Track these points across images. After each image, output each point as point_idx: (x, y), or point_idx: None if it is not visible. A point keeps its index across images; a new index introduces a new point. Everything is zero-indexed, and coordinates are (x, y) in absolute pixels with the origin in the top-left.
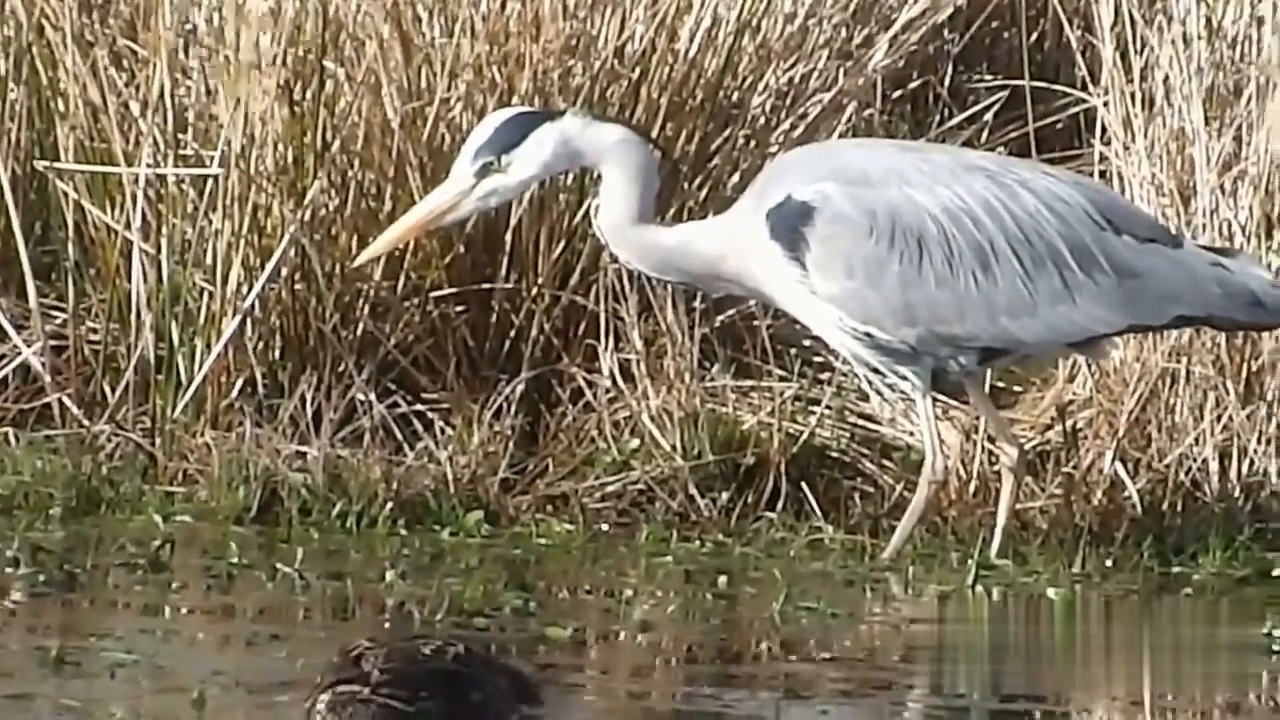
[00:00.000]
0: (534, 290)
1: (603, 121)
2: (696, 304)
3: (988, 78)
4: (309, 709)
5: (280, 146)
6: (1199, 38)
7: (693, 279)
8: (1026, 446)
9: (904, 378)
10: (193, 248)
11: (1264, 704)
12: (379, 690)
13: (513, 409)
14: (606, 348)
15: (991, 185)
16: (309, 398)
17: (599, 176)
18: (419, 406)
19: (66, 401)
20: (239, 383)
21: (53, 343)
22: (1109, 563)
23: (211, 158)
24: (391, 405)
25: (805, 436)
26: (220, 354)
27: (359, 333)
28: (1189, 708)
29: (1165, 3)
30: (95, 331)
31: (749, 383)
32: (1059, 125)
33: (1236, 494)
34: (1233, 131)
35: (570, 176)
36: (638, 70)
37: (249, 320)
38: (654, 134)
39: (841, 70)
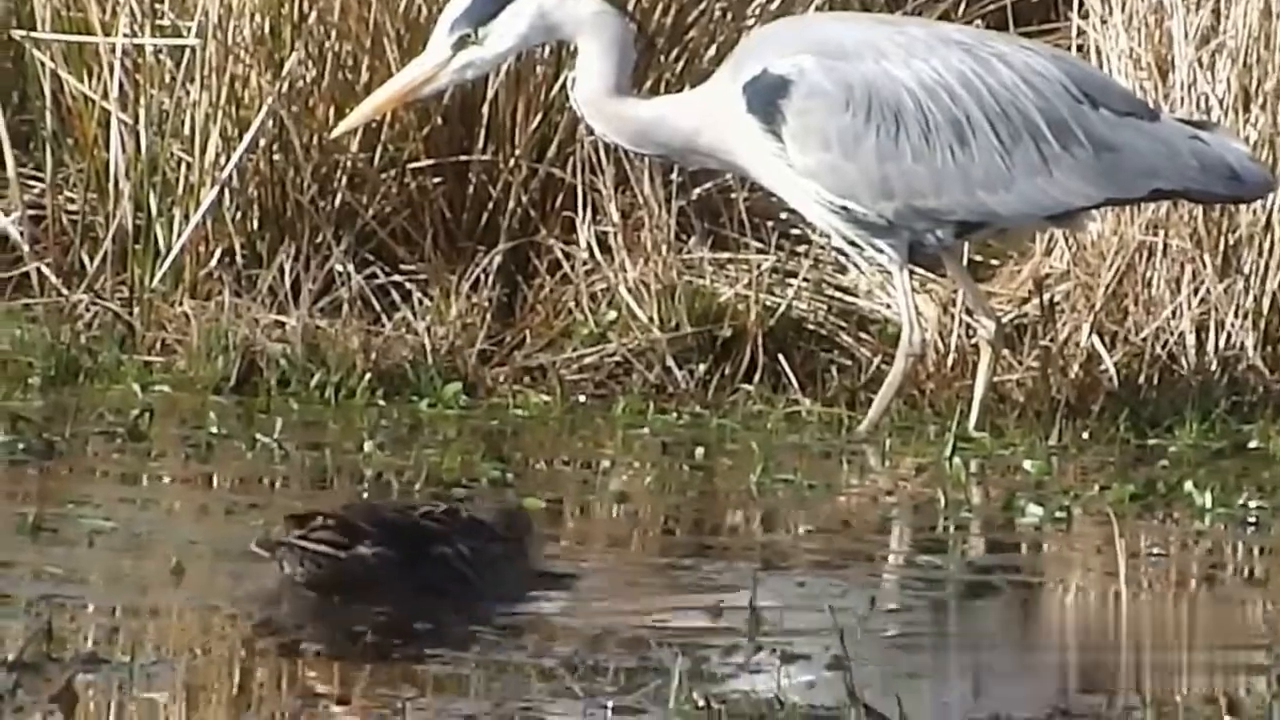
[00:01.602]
0: (511, 162)
1: None
2: (674, 176)
3: None
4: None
5: (258, 17)
6: None
7: (669, 152)
8: (1004, 320)
9: (881, 251)
10: (170, 118)
11: (1238, 576)
12: (310, 535)
13: (490, 281)
14: (584, 220)
15: (968, 59)
16: (287, 268)
17: (575, 49)
18: (397, 277)
19: (45, 271)
20: (217, 253)
21: (31, 212)
22: (1085, 435)
23: (189, 28)
24: (369, 276)
25: (782, 309)
26: (198, 224)
27: (337, 204)
28: (1164, 580)
29: None
30: (73, 201)
31: (726, 255)
32: None
33: (1213, 367)
34: (1211, 5)
35: (547, 49)
36: None
37: (227, 191)
38: (630, 6)
39: None
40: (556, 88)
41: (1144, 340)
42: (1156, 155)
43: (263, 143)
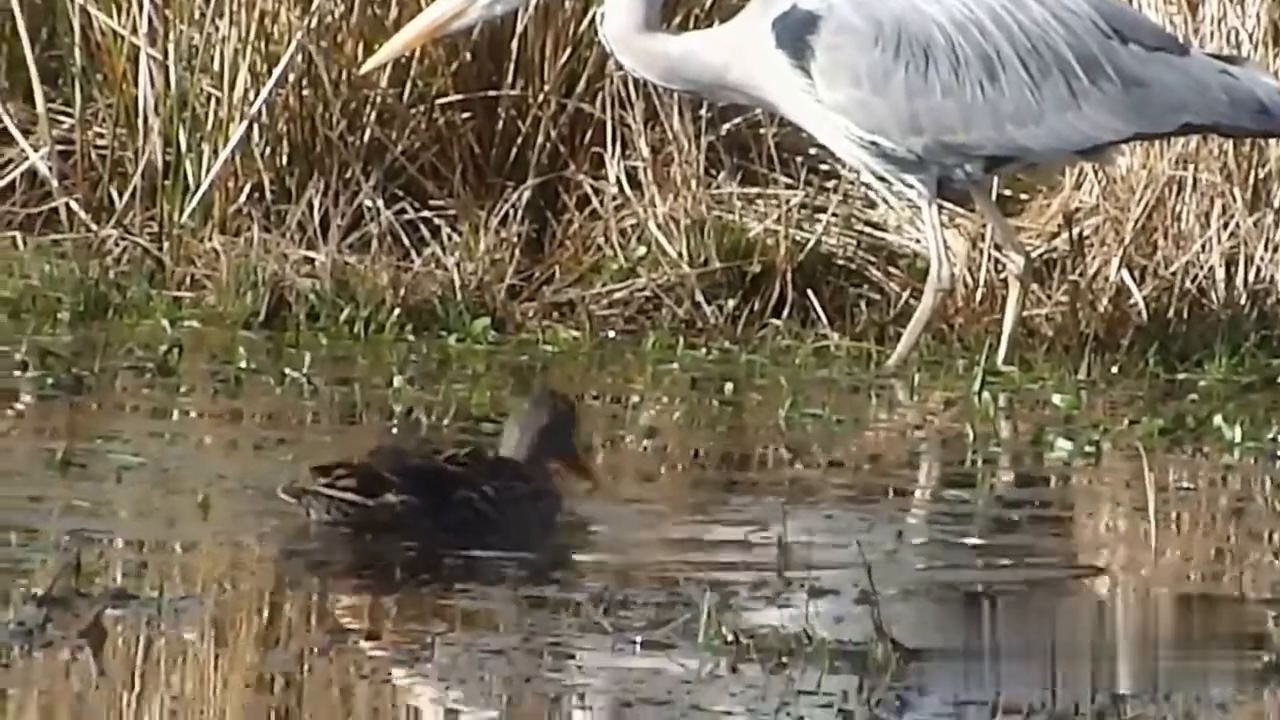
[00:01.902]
0: (540, 97)
1: None
2: (703, 111)
3: None
4: None
5: None
6: None
7: (698, 87)
8: (1033, 254)
9: (910, 186)
10: (200, 53)
11: (1270, 507)
12: (335, 483)
13: (519, 216)
14: (613, 155)
15: None
16: (316, 204)
17: None
18: (426, 213)
19: (74, 206)
20: (246, 188)
21: (60, 148)
22: (1114, 369)
23: None
24: (399, 212)
25: (811, 244)
26: (227, 159)
27: (366, 139)
28: (1193, 512)
29: None
30: (102, 137)
31: (755, 190)
32: None
33: (1242, 301)
34: None
35: None
36: None
37: (256, 126)
38: None
39: None
40: (586, 23)
41: (1173, 274)
42: (1186, 90)
43: (292, 78)
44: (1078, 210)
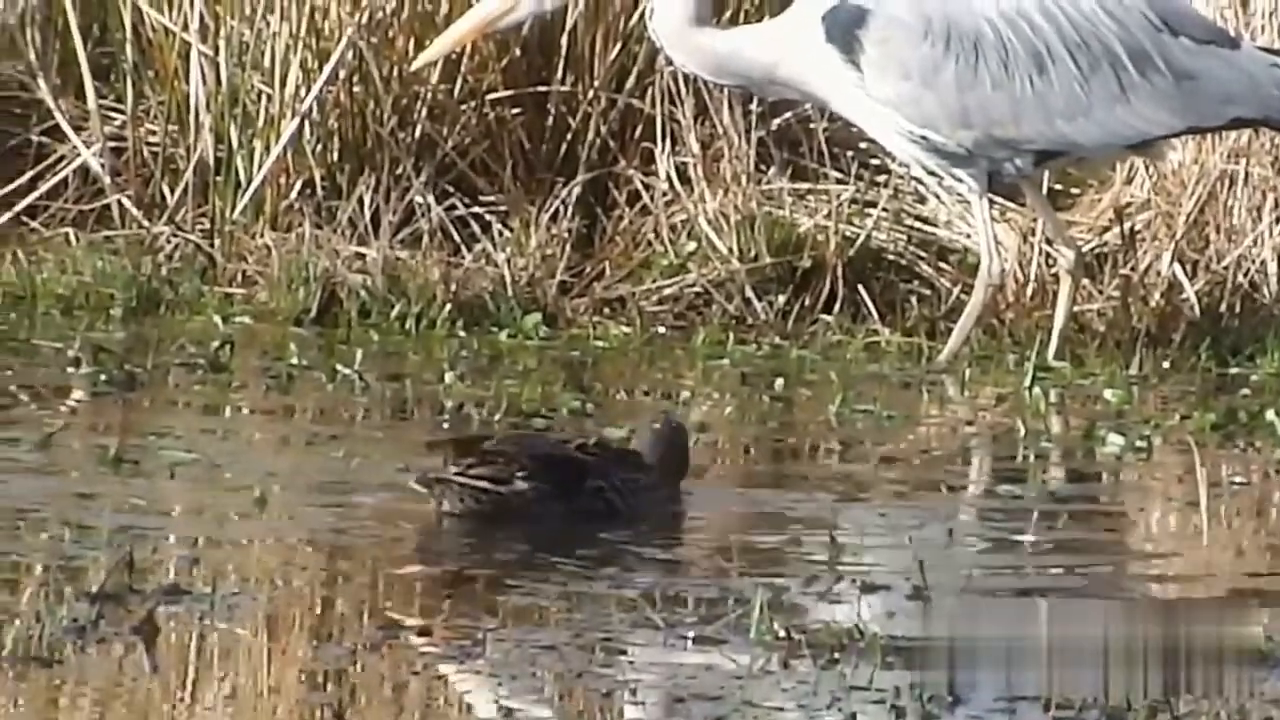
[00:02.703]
0: (590, 93)
1: None
2: (753, 106)
3: None
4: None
5: None
6: None
7: (748, 82)
8: (1084, 248)
9: (960, 180)
10: (251, 50)
11: None
12: (468, 471)
13: (569, 212)
14: (663, 150)
15: None
16: (367, 200)
17: None
18: (477, 209)
19: (126, 203)
20: (298, 184)
21: (112, 144)
22: (1166, 364)
23: None
24: (449, 208)
25: (862, 239)
26: (279, 156)
27: (417, 135)
28: (1245, 507)
29: None
30: (154, 133)
31: (805, 185)
32: None
33: None
34: None
35: None
36: None
37: (307, 122)
38: None
39: None
40: (635, 18)
41: (1225, 268)
42: (1236, 83)
43: (343, 74)
44: (1129, 205)
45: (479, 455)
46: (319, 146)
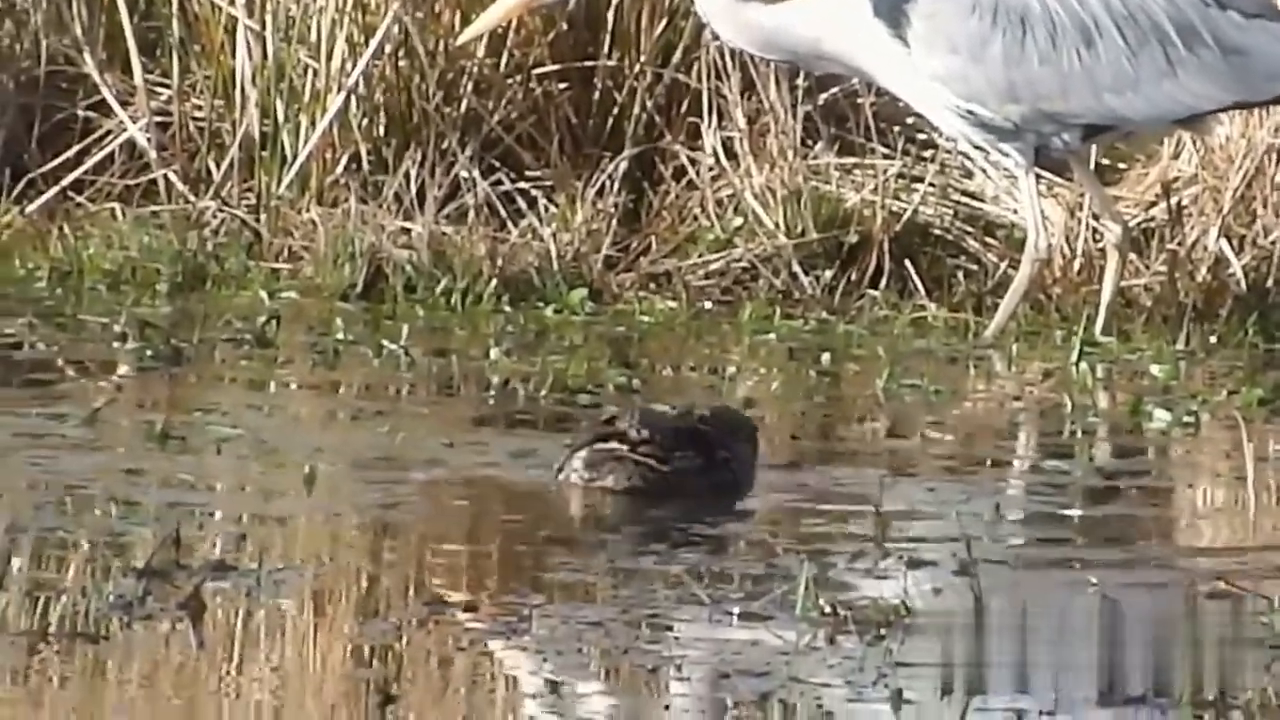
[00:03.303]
0: (636, 68)
1: None
2: (800, 81)
3: None
4: (560, 469)
5: None
6: None
7: (795, 58)
8: (1131, 223)
9: (1007, 155)
10: (297, 24)
11: None
12: (637, 449)
13: (616, 187)
14: (709, 125)
15: None
16: (413, 174)
17: None
18: (522, 184)
19: (172, 178)
20: (343, 159)
21: (158, 119)
22: (1213, 339)
23: None
24: (495, 183)
25: (909, 214)
26: (325, 131)
27: (462, 110)
28: None
29: None
30: (200, 108)
31: (852, 160)
32: None
33: None
34: None
35: None
36: None
37: (353, 97)
38: None
39: None
40: None
41: (1273, 244)
42: None
43: (388, 49)
44: (1176, 179)
45: (639, 432)
46: (364, 121)
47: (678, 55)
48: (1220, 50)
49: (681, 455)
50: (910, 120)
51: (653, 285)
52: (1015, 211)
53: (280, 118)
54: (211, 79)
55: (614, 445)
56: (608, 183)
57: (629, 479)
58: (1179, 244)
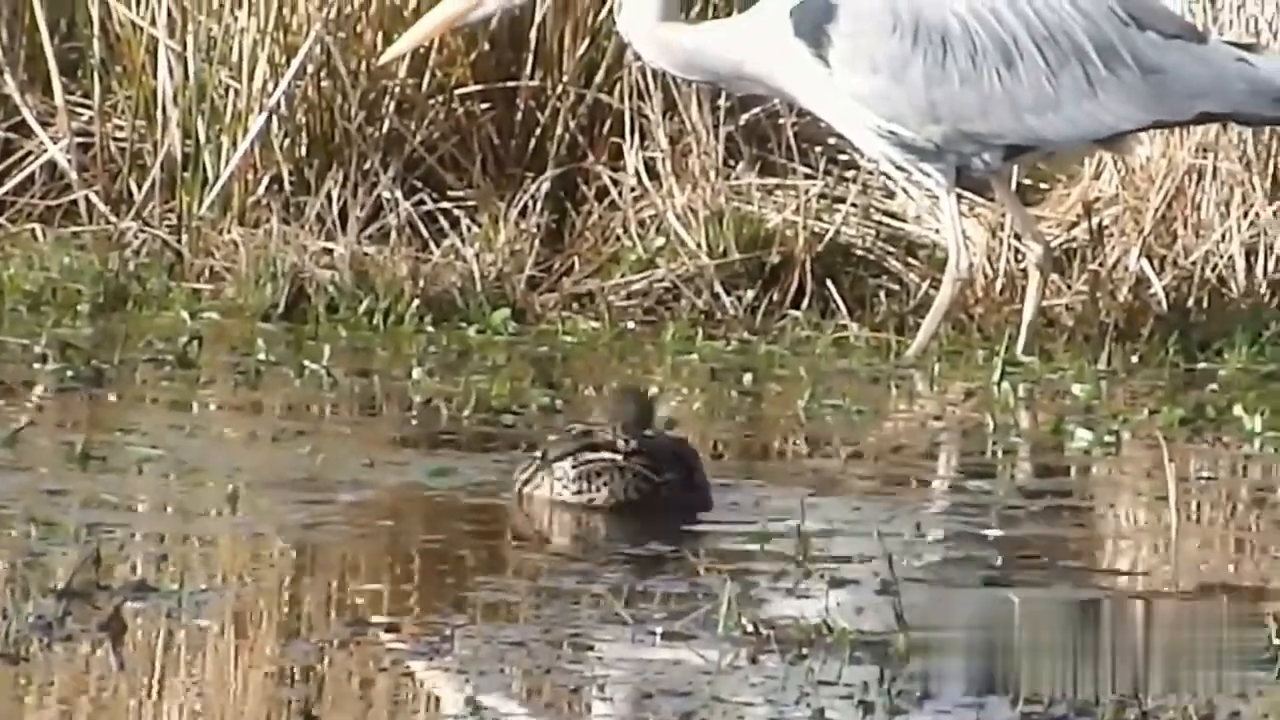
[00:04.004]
0: (559, 88)
1: None
2: (721, 101)
3: None
4: (528, 481)
5: None
6: None
7: (717, 78)
8: (1052, 243)
9: (928, 175)
10: (219, 45)
11: None
12: (631, 459)
13: (538, 207)
14: (632, 145)
15: None
16: (335, 195)
17: None
18: (445, 204)
19: (93, 198)
20: (265, 180)
21: (79, 140)
22: (1134, 359)
23: None
24: (418, 203)
25: (830, 234)
26: (246, 151)
27: (384, 130)
28: (1212, 498)
29: None
30: (122, 129)
31: (774, 180)
32: None
33: (1262, 290)
34: None
35: None
36: None
37: (275, 117)
38: None
39: None
40: (604, 13)
41: (1193, 264)
42: (1203, 77)
43: (310, 69)
44: (1097, 199)
45: (627, 443)
46: (286, 141)
47: (600, 75)
48: (1140, 70)
49: (669, 471)
50: (832, 141)
51: (575, 305)
52: (937, 231)
53: (202, 138)
54: (133, 99)
55: (605, 455)
56: (530, 203)
57: (624, 492)
58: (1100, 264)
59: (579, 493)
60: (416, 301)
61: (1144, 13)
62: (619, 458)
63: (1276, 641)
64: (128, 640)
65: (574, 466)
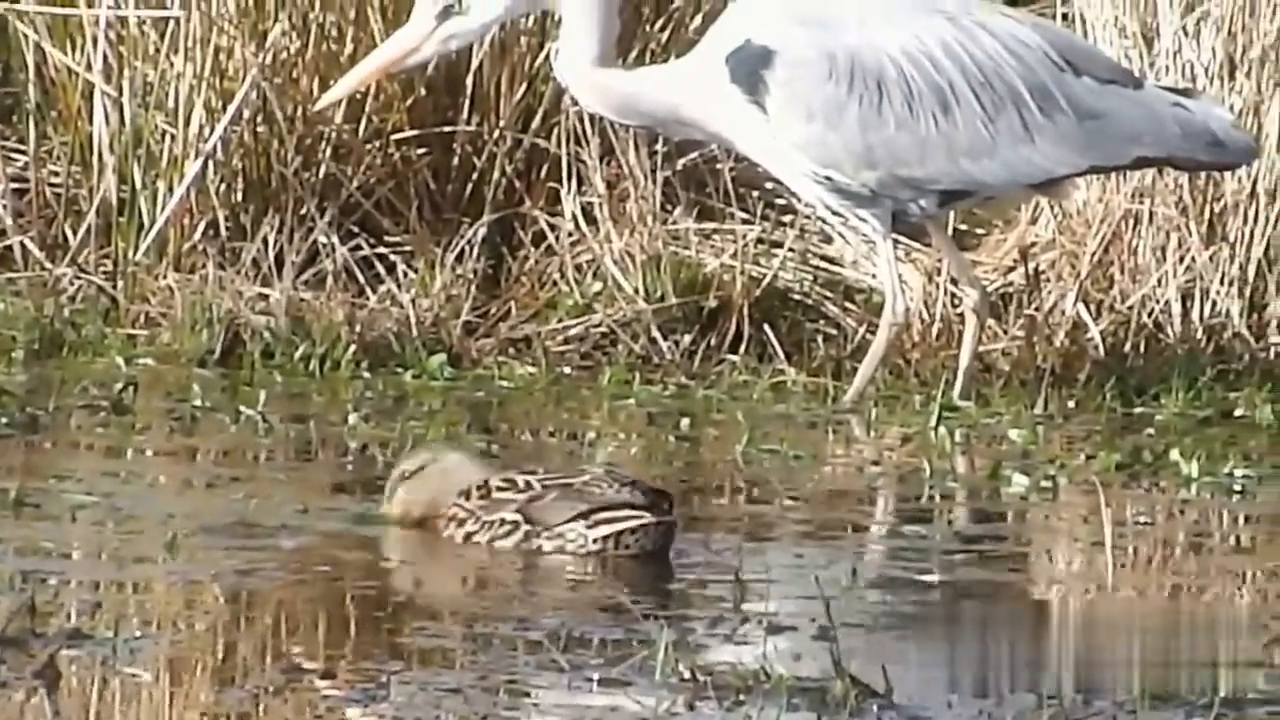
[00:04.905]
0: (496, 133)
1: None
2: (659, 146)
3: None
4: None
5: None
6: None
7: (654, 123)
8: (989, 288)
9: (865, 220)
10: (154, 90)
11: (1225, 544)
12: (653, 510)
13: (475, 252)
14: (569, 191)
15: (950, 27)
16: (271, 240)
17: (560, 19)
18: (381, 249)
19: (28, 244)
20: (201, 225)
21: (14, 185)
22: (1071, 404)
23: (173, 0)
24: (354, 248)
25: (768, 279)
26: (182, 196)
27: (321, 175)
28: (1148, 544)
29: None
30: (57, 174)
31: (711, 225)
32: None
33: (1198, 335)
34: None
35: (531, 19)
36: None
37: (211, 163)
38: None
39: None
40: (541, 58)
41: (1130, 308)
42: (1139, 122)
43: (247, 114)
44: (1034, 245)
45: (639, 494)
46: (223, 187)
47: (537, 120)
48: (1076, 115)
49: (667, 511)
50: (770, 185)
51: (512, 350)
52: (874, 276)
53: (138, 183)
54: (68, 145)
55: (624, 513)
56: (467, 248)
57: (651, 542)
58: (1037, 309)
59: (600, 551)
60: (353, 347)
61: (1079, 58)
62: (648, 515)
63: (1207, 686)
64: (63, 688)
65: (589, 527)
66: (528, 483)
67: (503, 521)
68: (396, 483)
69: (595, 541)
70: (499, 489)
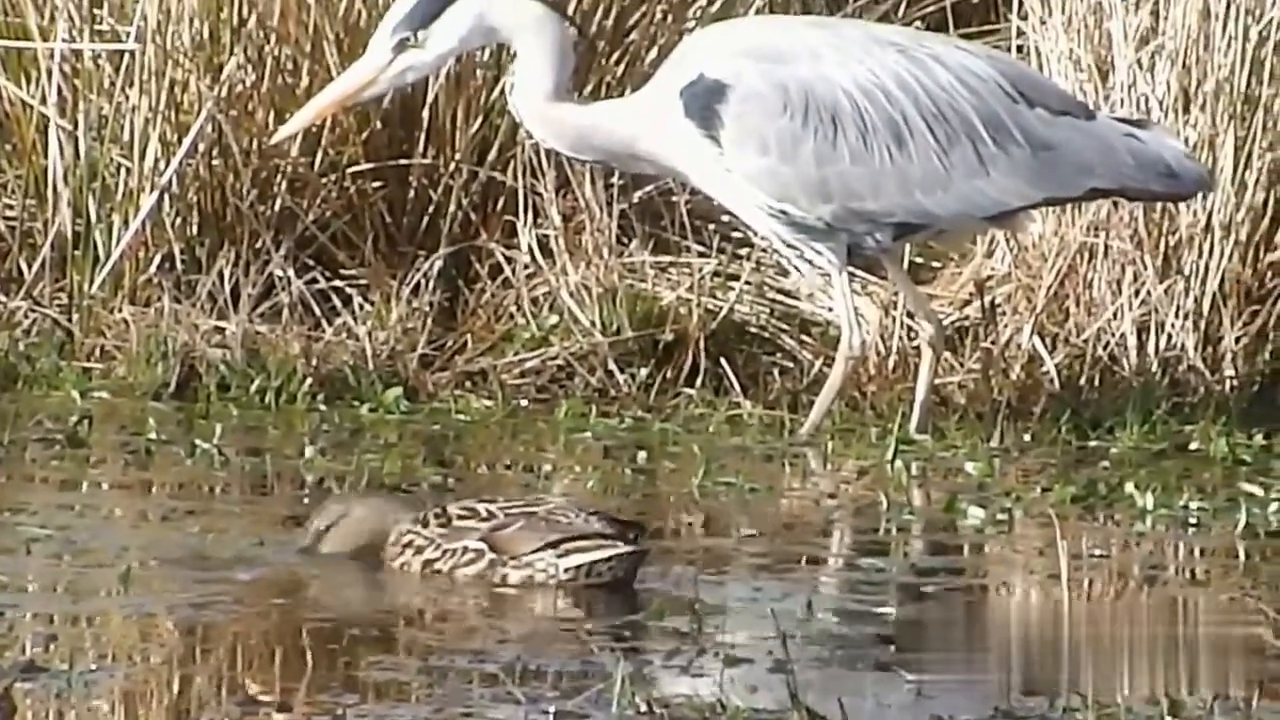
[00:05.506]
0: (452, 166)
1: None
2: (615, 180)
3: None
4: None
5: (196, 21)
6: None
7: (608, 157)
8: (945, 322)
9: (820, 254)
10: (109, 124)
11: (1179, 577)
12: (624, 539)
13: (431, 285)
14: (525, 224)
15: (904, 60)
16: (227, 273)
17: (515, 53)
18: (337, 282)
19: None
20: (157, 259)
21: None
22: (1027, 437)
23: (128, 33)
24: (310, 281)
25: (724, 312)
26: (138, 230)
27: (277, 208)
28: (1105, 578)
29: None
30: (11, 208)
31: (668, 258)
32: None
33: (1154, 368)
34: (1150, 6)
35: (487, 52)
36: None
37: (166, 196)
38: (571, 9)
39: None
40: (497, 91)
41: (1085, 342)
42: (1092, 153)
43: (202, 148)
44: (989, 278)
45: (604, 524)
46: (178, 220)
47: (493, 153)
48: (1030, 147)
49: (635, 539)
50: (725, 218)
51: (468, 384)
52: (830, 309)
53: (93, 217)
54: (23, 178)
55: (591, 543)
56: (423, 281)
57: (623, 570)
58: (993, 342)
59: (571, 580)
60: (309, 380)
61: (1033, 90)
62: (620, 544)
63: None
64: None
65: (559, 556)
66: (490, 511)
67: (465, 550)
68: (317, 537)
69: (566, 571)
70: (460, 517)
